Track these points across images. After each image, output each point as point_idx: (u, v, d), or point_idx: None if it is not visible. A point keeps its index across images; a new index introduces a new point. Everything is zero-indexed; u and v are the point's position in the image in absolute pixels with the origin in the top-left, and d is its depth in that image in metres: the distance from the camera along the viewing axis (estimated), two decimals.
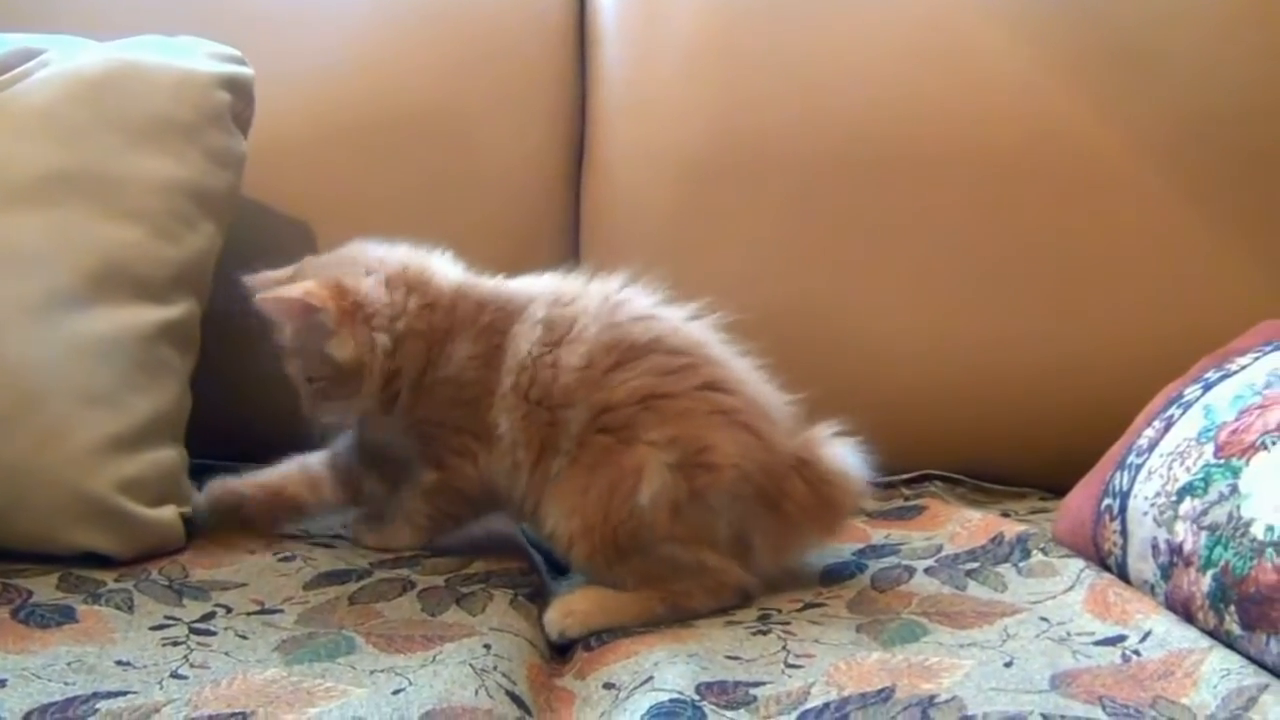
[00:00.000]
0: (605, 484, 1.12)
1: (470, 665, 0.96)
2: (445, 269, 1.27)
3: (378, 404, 1.22)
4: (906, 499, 1.47)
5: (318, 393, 1.23)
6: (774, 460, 1.15)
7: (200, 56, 1.41)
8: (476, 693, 0.92)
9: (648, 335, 1.17)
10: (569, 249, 1.63)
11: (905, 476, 1.51)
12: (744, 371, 1.20)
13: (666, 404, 1.13)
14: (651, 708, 0.90)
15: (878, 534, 1.34)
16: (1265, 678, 0.91)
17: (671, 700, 0.91)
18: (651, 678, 0.96)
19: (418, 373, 1.21)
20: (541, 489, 1.17)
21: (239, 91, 1.42)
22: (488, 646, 1.00)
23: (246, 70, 1.44)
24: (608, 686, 0.98)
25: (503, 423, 1.18)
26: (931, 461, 1.52)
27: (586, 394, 1.15)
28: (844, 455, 1.18)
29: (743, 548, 1.15)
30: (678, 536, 1.12)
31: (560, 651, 1.11)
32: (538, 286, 1.24)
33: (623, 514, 1.11)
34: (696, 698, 0.93)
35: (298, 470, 1.32)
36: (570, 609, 1.12)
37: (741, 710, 0.92)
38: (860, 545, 1.30)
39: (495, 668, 0.97)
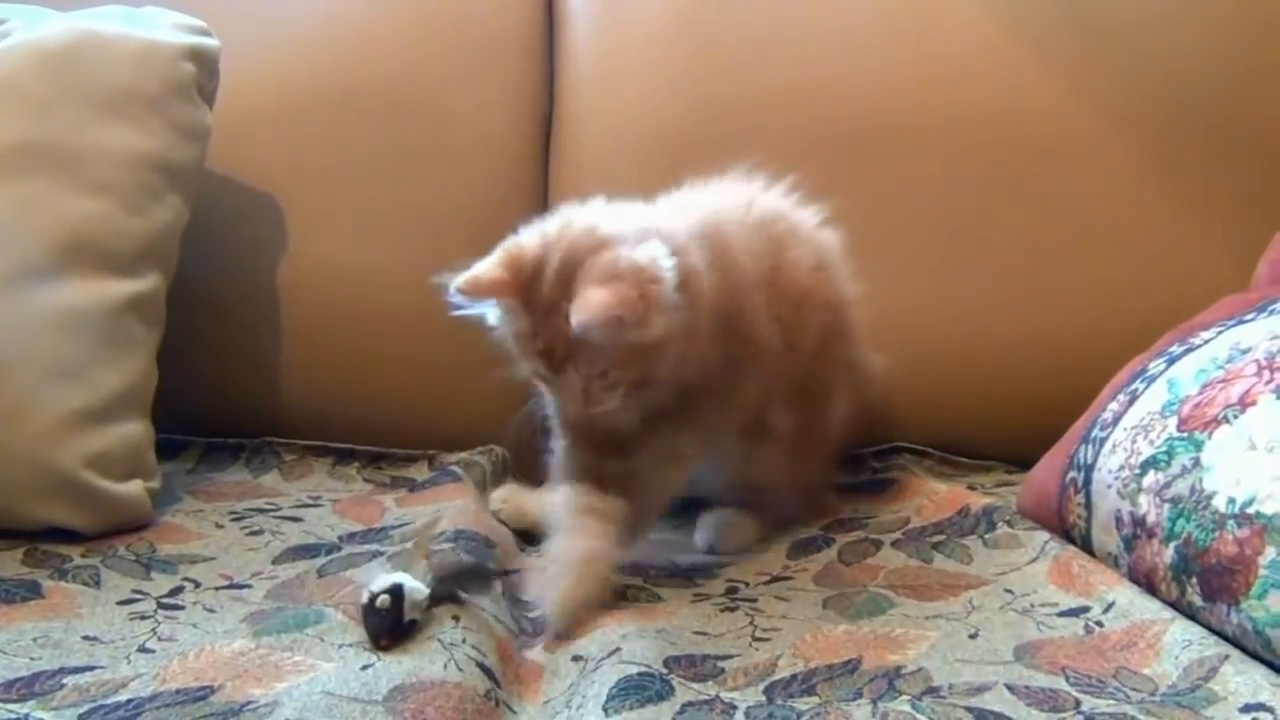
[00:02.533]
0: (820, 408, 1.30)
1: (439, 640, 0.96)
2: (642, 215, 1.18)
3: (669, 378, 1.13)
4: (875, 471, 1.47)
5: (610, 384, 1.10)
6: None
7: (165, 28, 1.40)
8: (445, 666, 0.92)
9: (791, 227, 1.29)
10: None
11: (874, 449, 1.51)
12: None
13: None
14: (619, 680, 0.91)
15: (845, 509, 1.35)
16: (1226, 648, 0.92)
17: (640, 674, 0.92)
18: (619, 649, 0.96)
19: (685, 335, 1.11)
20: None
21: (204, 63, 1.41)
22: (455, 618, 1.00)
23: (212, 42, 1.43)
24: (576, 659, 0.98)
25: (766, 334, 1.21)
26: (899, 435, 1.52)
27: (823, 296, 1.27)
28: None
29: None
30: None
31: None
32: (675, 208, 1.23)
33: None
34: (664, 671, 0.93)
35: (578, 521, 1.14)
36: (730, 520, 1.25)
37: (709, 682, 0.92)
38: (828, 520, 1.31)
39: (464, 640, 0.96)
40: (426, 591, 1.00)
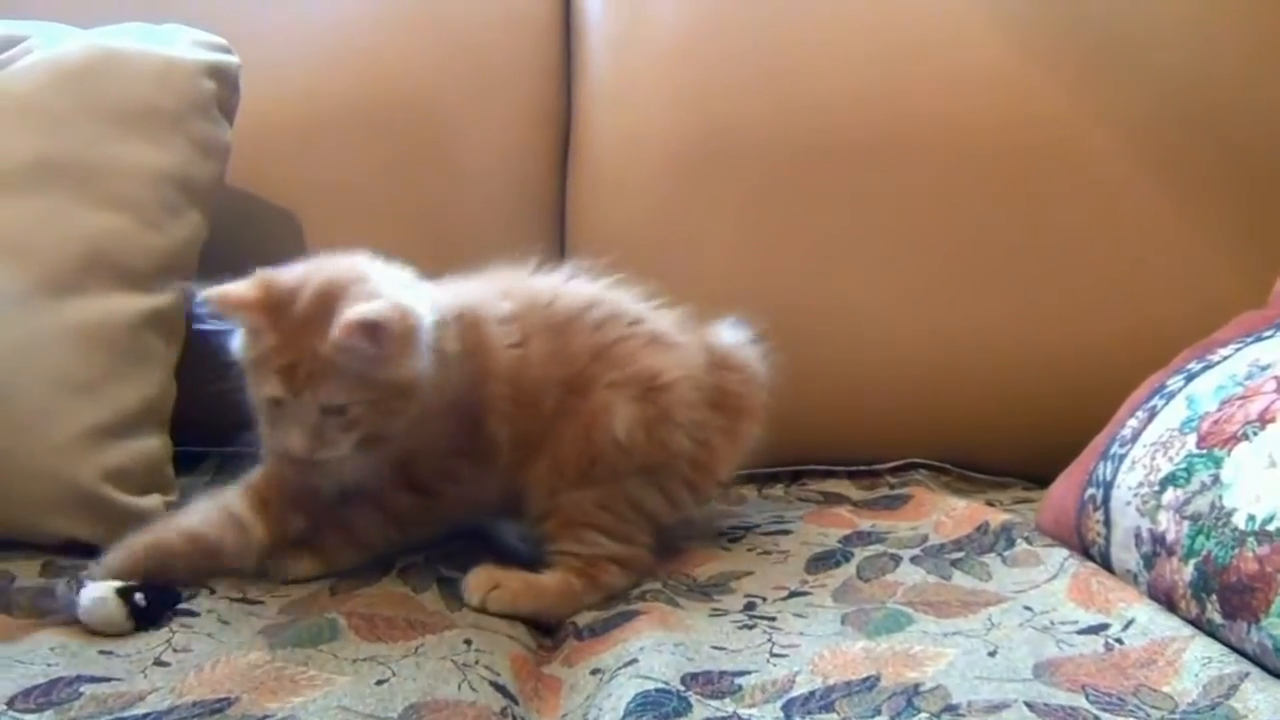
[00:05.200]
0: (579, 430, 1.17)
1: (451, 660, 0.96)
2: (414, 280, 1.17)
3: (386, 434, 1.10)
4: (892, 487, 1.47)
5: (346, 424, 1.07)
6: (703, 364, 1.24)
7: (185, 44, 1.41)
8: (459, 687, 0.92)
9: (573, 304, 1.22)
10: (555, 239, 1.63)
11: (890, 465, 1.51)
12: (635, 302, 1.26)
13: (611, 351, 1.19)
14: (636, 696, 0.90)
15: (864, 523, 1.35)
16: (1246, 666, 0.92)
17: (657, 690, 0.91)
18: (636, 660, 0.96)
19: (430, 396, 1.10)
20: (527, 469, 1.18)
21: (224, 80, 1.42)
22: (468, 641, 1.00)
23: (232, 59, 1.43)
24: (594, 672, 0.98)
25: (501, 433, 1.17)
26: (916, 450, 1.52)
27: (555, 374, 1.18)
28: (742, 344, 1.30)
29: (707, 453, 1.23)
30: (650, 460, 1.19)
31: (547, 634, 1.12)
32: (465, 288, 1.20)
33: (601, 447, 1.16)
34: (682, 688, 0.93)
35: (218, 512, 1.15)
36: (497, 581, 1.13)
37: (727, 699, 0.92)
38: (846, 533, 1.31)
39: (477, 661, 0.96)
40: None
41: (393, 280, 1.12)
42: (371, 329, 1.03)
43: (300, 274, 1.08)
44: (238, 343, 1.09)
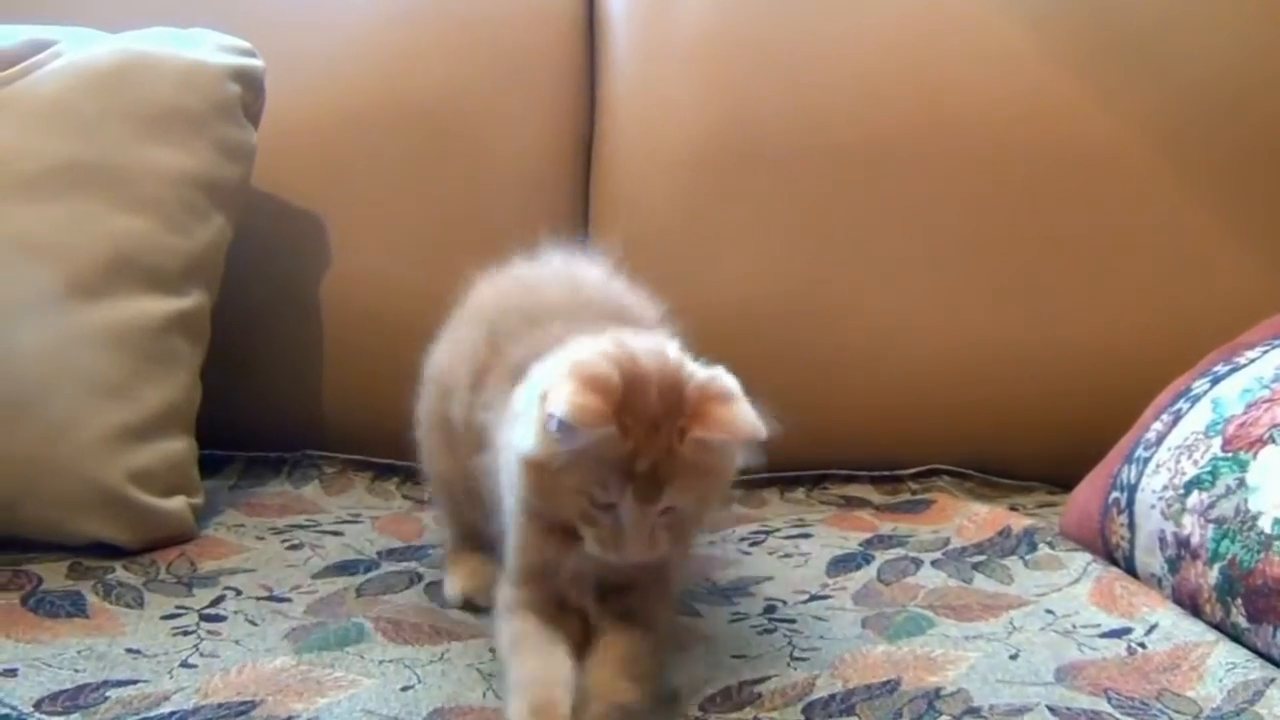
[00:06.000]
0: None
1: (477, 669, 0.96)
2: None
3: None
4: (914, 493, 1.47)
5: (675, 520, 0.95)
6: None
7: (210, 48, 1.42)
8: (484, 694, 0.92)
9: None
10: (579, 237, 1.63)
11: (913, 471, 1.51)
12: None
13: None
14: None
15: (885, 526, 1.35)
16: (1271, 671, 0.91)
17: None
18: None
19: None
20: None
21: (249, 83, 1.43)
22: (493, 650, 1.00)
23: (257, 62, 1.44)
24: None
25: None
26: (939, 456, 1.52)
27: None
28: None
29: None
30: None
31: None
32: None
33: None
34: (700, 714, 0.92)
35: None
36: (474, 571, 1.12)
37: (747, 709, 0.92)
38: (867, 536, 1.31)
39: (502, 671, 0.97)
40: None
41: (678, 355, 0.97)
42: (745, 436, 0.92)
43: (620, 363, 0.93)
44: (570, 451, 0.91)
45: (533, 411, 0.91)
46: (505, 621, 0.99)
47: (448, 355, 1.14)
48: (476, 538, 1.14)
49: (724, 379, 0.94)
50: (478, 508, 1.08)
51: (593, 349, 0.95)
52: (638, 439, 0.91)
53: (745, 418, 0.91)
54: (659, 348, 0.96)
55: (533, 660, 0.94)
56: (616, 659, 0.94)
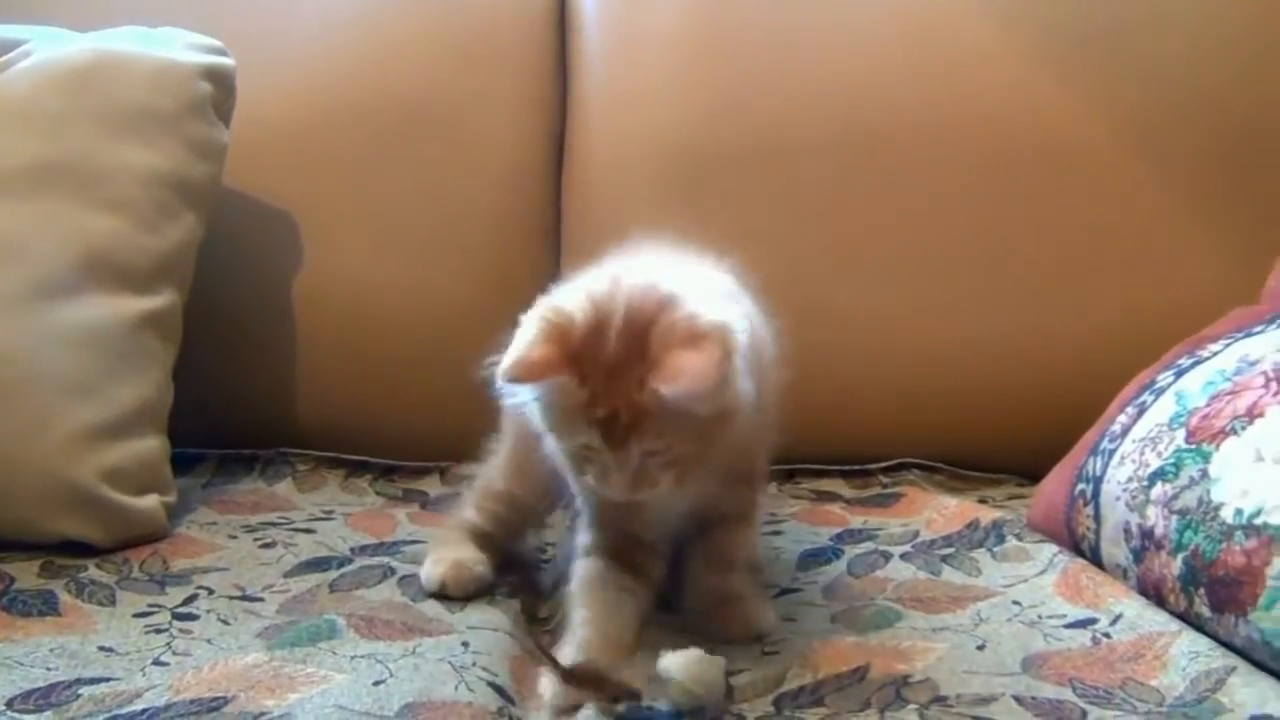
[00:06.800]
0: None
1: (449, 663, 0.97)
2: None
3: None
4: (884, 486, 1.48)
5: (667, 462, 0.95)
6: None
7: (181, 47, 1.42)
8: (456, 688, 0.92)
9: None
10: (551, 238, 1.64)
11: (883, 464, 1.52)
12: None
13: None
14: None
15: (855, 520, 1.36)
16: (1233, 659, 0.92)
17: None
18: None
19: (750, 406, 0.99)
20: None
21: (220, 82, 1.43)
22: (465, 644, 1.01)
23: (228, 61, 1.44)
24: None
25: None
26: (909, 449, 1.53)
27: None
28: None
29: None
30: None
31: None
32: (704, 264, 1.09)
33: None
34: None
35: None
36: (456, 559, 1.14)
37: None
38: (838, 531, 1.31)
39: (474, 664, 0.97)
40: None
41: (695, 289, 0.97)
42: (696, 389, 0.90)
43: (591, 306, 0.94)
44: (532, 398, 0.97)
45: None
46: (578, 563, 1.06)
47: None
48: (491, 530, 1.17)
49: (703, 319, 0.92)
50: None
51: (583, 286, 0.97)
52: (595, 387, 0.92)
53: (694, 368, 0.89)
54: (654, 283, 0.95)
55: (591, 602, 1.01)
56: (706, 552, 1.06)
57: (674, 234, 1.10)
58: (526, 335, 0.93)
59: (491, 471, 1.20)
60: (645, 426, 0.92)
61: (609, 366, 0.92)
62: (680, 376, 0.89)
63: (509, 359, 0.92)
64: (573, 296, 0.96)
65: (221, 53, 1.45)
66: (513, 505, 1.18)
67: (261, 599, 1.11)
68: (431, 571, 1.13)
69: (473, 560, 1.14)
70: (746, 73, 1.62)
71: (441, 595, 1.11)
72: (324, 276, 1.56)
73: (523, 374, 0.92)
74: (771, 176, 1.57)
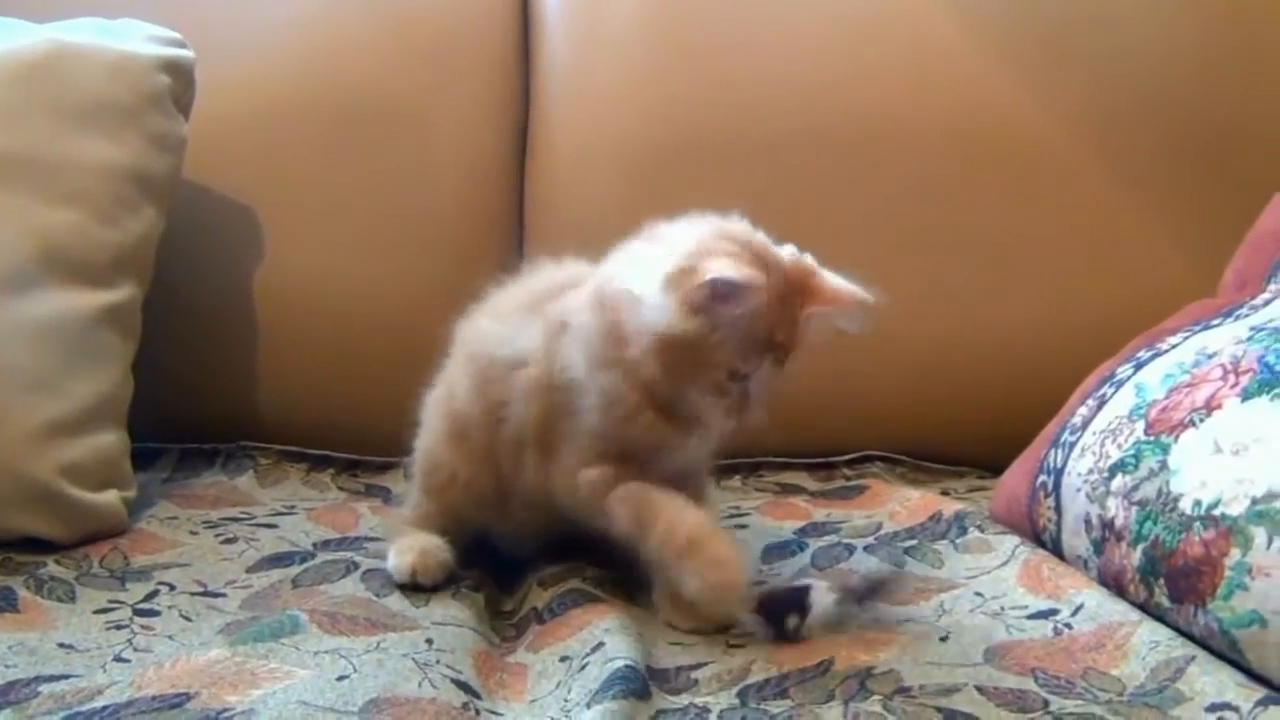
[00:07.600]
0: None
1: (413, 659, 0.96)
2: None
3: None
4: (848, 479, 1.49)
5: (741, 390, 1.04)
6: None
7: (139, 39, 1.41)
8: (420, 684, 0.92)
9: None
10: (514, 235, 1.63)
11: (847, 457, 1.53)
12: None
13: None
14: (609, 676, 0.91)
15: (819, 513, 1.36)
16: (1192, 649, 0.93)
17: (626, 666, 0.92)
18: (603, 644, 0.97)
19: None
20: None
21: (179, 75, 1.42)
22: (429, 641, 1.00)
23: (187, 53, 1.43)
24: (562, 659, 0.99)
25: None
26: (873, 442, 1.54)
27: None
28: None
29: None
30: None
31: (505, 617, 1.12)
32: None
33: None
34: (646, 675, 0.93)
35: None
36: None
37: (683, 695, 0.93)
38: (801, 524, 1.32)
39: (438, 660, 0.97)
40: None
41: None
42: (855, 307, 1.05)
43: (752, 239, 1.05)
44: (733, 316, 1.00)
45: (655, 291, 1.00)
46: (622, 490, 1.06)
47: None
48: (451, 524, 1.16)
49: (805, 257, 1.05)
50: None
51: (703, 231, 1.06)
52: (775, 311, 1.01)
53: (850, 288, 1.04)
54: (749, 229, 1.06)
55: (669, 499, 1.04)
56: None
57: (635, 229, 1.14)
58: (726, 260, 0.99)
59: (430, 456, 1.19)
60: (796, 354, 1.04)
61: (779, 294, 1.02)
62: (840, 297, 1.04)
63: (738, 277, 0.97)
64: (718, 235, 1.05)
65: (181, 45, 1.44)
66: (457, 484, 1.17)
67: (224, 594, 1.11)
68: (400, 561, 1.13)
69: (436, 546, 1.14)
70: (708, 69, 1.62)
71: (413, 584, 1.11)
72: (286, 270, 1.56)
73: (751, 290, 0.98)
74: (732, 171, 1.57)
